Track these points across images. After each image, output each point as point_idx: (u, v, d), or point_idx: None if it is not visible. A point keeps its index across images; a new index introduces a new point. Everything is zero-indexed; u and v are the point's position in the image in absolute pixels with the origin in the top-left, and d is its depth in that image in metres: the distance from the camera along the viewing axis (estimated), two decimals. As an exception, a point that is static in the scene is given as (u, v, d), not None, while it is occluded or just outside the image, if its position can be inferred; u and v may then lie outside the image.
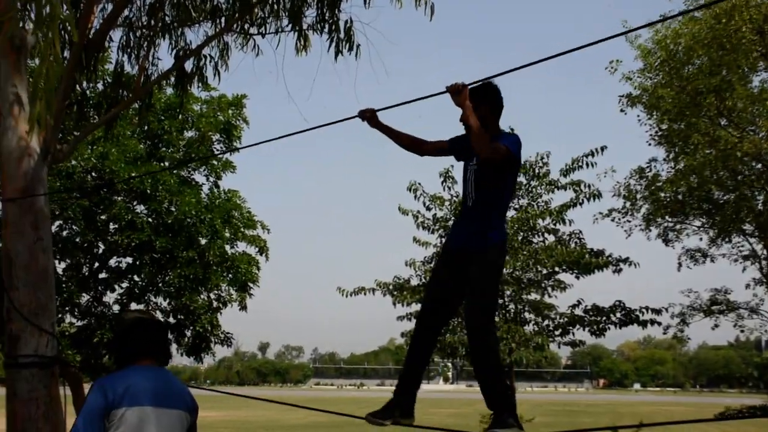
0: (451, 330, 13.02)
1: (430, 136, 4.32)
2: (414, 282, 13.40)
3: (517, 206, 13.55)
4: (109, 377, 3.23)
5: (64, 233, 13.31)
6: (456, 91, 3.74)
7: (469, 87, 3.78)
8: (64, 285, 12.79)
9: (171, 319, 14.11)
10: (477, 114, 3.72)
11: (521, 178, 13.49)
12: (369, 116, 4.16)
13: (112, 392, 3.08)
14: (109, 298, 14.40)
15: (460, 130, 4.03)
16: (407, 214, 13.64)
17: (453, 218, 13.62)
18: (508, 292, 13.18)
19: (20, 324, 4.98)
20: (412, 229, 13.51)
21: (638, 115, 16.29)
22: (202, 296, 13.85)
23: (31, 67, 5.56)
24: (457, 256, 3.94)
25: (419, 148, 4.29)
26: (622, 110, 16.24)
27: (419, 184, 13.47)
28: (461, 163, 4.20)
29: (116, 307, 14.09)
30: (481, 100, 3.88)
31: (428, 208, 13.64)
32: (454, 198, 13.48)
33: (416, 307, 13.25)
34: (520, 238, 13.13)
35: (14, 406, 4.92)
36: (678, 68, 14.74)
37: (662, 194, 16.40)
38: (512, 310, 13.41)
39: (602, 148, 12.80)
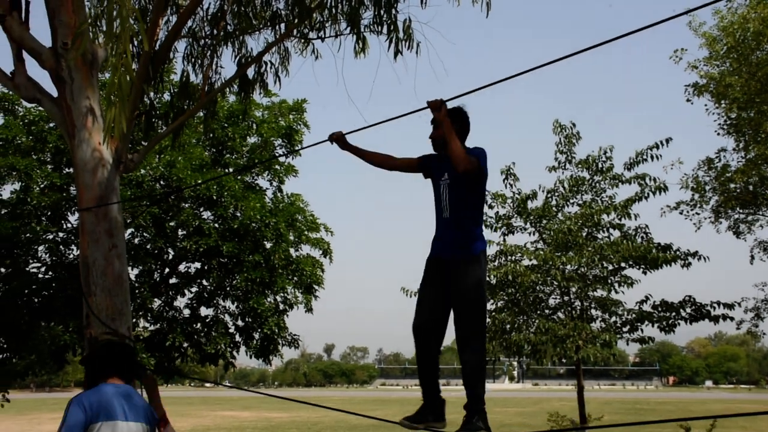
0: (517, 329, 12.87)
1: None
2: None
3: (580, 202, 13.32)
4: (86, 394, 3.64)
5: (136, 240, 13.67)
6: (436, 107, 4.01)
7: (454, 109, 4.10)
8: (137, 291, 13.13)
9: (239, 322, 14.35)
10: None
11: (584, 174, 13.29)
12: (336, 138, 4.43)
13: (89, 408, 3.50)
14: (180, 302, 14.74)
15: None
16: (469, 213, 13.48)
17: (515, 216, 13.50)
18: (573, 289, 12.96)
19: (99, 328, 5.14)
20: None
21: (705, 105, 15.79)
22: (268, 299, 14.02)
23: (102, 81, 5.72)
24: (441, 269, 4.15)
25: (387, 164, 4.54)
26: (688, 100, 15.77)
27: (481, 182, 13.31)
28: (430, 180, 4.41)
29: (187, 312, 14.40)
30: (453, 121, 4.11)
31: (490, 206, 13.52)
32: (516, 195, 13.32)
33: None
34: (584, 234, 12.90)
35: (95, 408, 5.06)
36: (747, 55, 14.21)
37: (732, 185, 15.85)
38: (578, 308, 13.17)
39: (667, 140, 12.46)
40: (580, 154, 13.35)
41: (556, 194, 13.39)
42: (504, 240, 13.50)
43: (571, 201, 13.40)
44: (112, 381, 3.75)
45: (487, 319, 4.17)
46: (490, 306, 13.16)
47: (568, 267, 12.66)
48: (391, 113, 4.32)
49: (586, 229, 12.98)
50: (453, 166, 4.06)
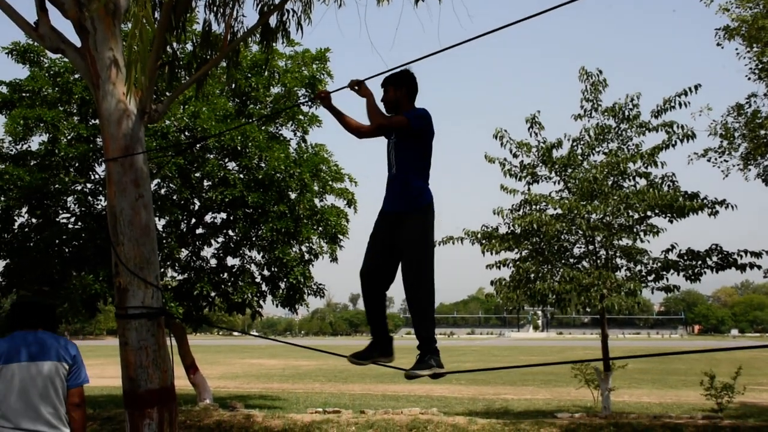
0: (541, 278, 12.87)
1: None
2: (502, 230, 13.28)
3: (606, 150, 13.17)
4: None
5: (162, 191, 13.81)
6: (356, 85, 4.60)
7: (392, 73, 4.60)
8: (164, 241, 13.32)
9: (265, 272, 14.53)
10: (394, 96, 4.58)
11: (610, 122, 13.12)
12: (323, 97, 4.87)
13: None
14: (207, 252, 14.92)
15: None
16: (494, 162, 13.45)
17: (540, 164, 13.39)
18: (598, 238, 12.90)
19: (127, 277, 5.23)
20: (500, 176, 13.30)
21: (736, 49, 15.37)
22: (293, 249, 14.15)
23: (125, 31, 5.72)
24: (388, 220, 4.52)
25: (359, 131, 4.84)
26: (718, 44, 15.35)
27: (505, 131, 13.24)
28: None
29: (213, 261, 14.60)
30: (400, 84, 4.60)
31: (515, 155, 13.41)
32: (541, 144, 13.20)
33: (505, 254, 13.16)
34: (610, 182, 12.78)
35: (126, 354, 5.20)
36: (781, -4, 13.76)
37: (762, 131, 15.52)
38: (603, 257, 13.12)
39: (696, 87, 12.20)
40: (606, 102, 13.15)
41: (582, 143, 13.26)
42: (528, 189, 13.43)
43: (597, 149, 13.26)
44: (23, 329, 4.31)
45: (435, 267, 4.49)
46: (515, 255, 13.19)
47: (593, 216, 12.59)
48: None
49: (611, 178, 12.85)
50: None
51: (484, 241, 13.09)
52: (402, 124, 4.46)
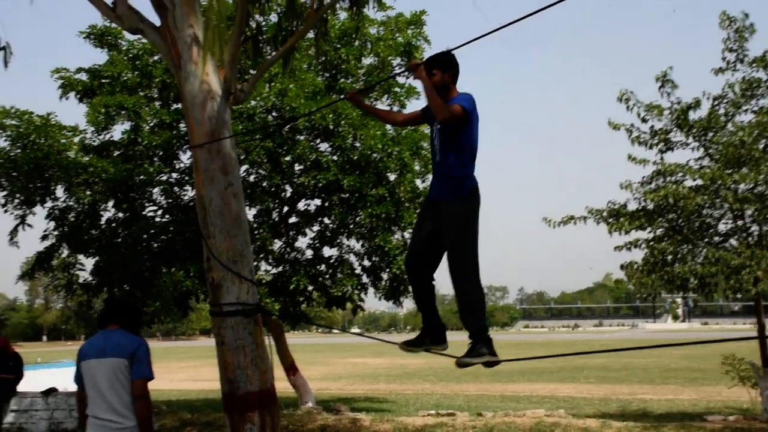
0: (680, 260, 12.46)
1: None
2: (632, 207, 12.91)
3: (755, 108, 12.57)
4: (85, 342, 5.35)
5: (251, 178, 14.15)
6: (413, 68, 4.77)
7: (435, 55, 4.83)
8: (255, 232, 13.63)
9: (365, 262, 14.68)
10: (441, 80, 4.76)
11: (759, 74, 12.51)
12: (350, 96, 5.42)
13: (80, 352, 5.21)
14: (301, 242, 15.22)
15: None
16: (619, 129, 13.09)
17: (675, 129, 12.95)
18: (748, 212, 12.34)
19: (220, 272, 5.39)
20: (626, 145, 12.97)
21: None
22: (395, 236, 14.20)
23: (204, 6, 5.88)
24: (433, 207, 4.83)
25: (398, 121, 5.80)
26: None
27: (631, 92, 12.85)
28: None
29: (309, 252, 14.87)
30: (447, 67, 4.81)
31: (644, 120, 13.00)
32: (675, 105, 12.73)
33: (636, 234, 12.81)
34: (761, 146, 12.18)
35: (224, 354, 5.37)
36: None
37: None
38: (755, 233, 12.55)
39: None
40: (754, 51, 12.52)
41: (725, 101, 12.72)
42: (662, 158, 13.02)
43: (744, 108, 12.68)
44: (109, 327, 5.24)
45: (478, 254, 4.80)
46: (647, 234, 12.85)
47: (742, 186, 12.05)
48: (519, 14, 4.22)
49: (763, 141, 12.25)
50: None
51: (610, 220, 12.79)
52: (461, 115, 4.65)
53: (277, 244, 14.77)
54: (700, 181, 12.31)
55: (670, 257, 12.45)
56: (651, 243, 12.68)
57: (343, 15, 14.02)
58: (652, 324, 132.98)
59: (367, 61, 14.74)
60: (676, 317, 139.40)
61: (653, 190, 12.42)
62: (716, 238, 12.89)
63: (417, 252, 4.91)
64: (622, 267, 13.02)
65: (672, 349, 45.38)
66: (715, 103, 12.76)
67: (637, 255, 12.95)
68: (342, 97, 13.78)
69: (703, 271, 11.86)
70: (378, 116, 5.67)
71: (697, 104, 12.71)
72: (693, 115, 12.77)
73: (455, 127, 4.70)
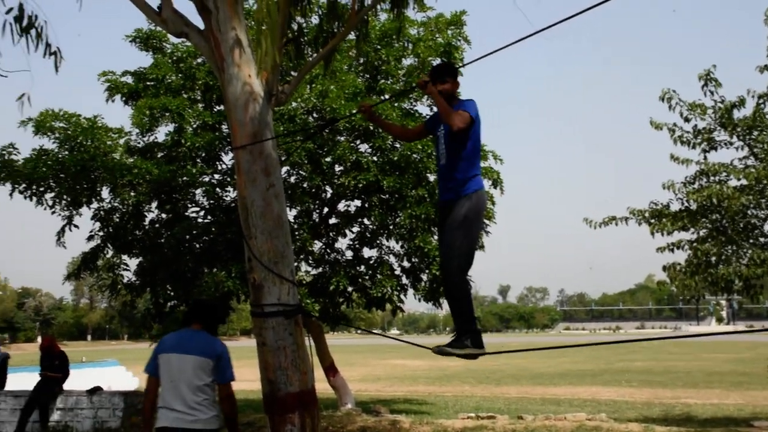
0: (725, 261, 12.27)
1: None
2: (674, 207, 12.75)
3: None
4: (166, 335, 5.70)
5: (292, 179, 14.26)
6: (422, 86, 5.09)
7: (444, 65, 5.32)
8: (296, 233, 13.73)
9: (405, 263, 14.68)
10: (449, 88, 5.08)
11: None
12: (364, 110, 5.68)
13: (161, 344, 5.48)
14: (341, 243, 15.26)
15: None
16: (661, 129, 12.93)
17: (718, 128, 12.78)
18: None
19: (261, 273, 5.44)
20: (669, 145, 12.82)
21: None
22: (435, 237, 14.18)
23: (246, 9, 5.93)
24: (441, 210, 5.10)
25: (405, 136, 6.28)
26: None
27: (674, 91, 12.69)
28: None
29: (349, 253, 14.91)
30: (456, 76, 5.20)
31: (686, 119, 12.84)
32: (719, 104, 12.54)
33: (678, 236, 12.65)
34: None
35: (264, 355, 5.42)
36: None
37: None
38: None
39: None
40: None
41: (772, 99, 12.48)
42: (705, 158, 12.86)
43: (792, 106, 12.43)
44: (193, 327, 5.55)
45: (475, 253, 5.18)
46: (690, 236, 12.71)
47: (789, 186, 11.83)
48: (563, 15, 4.18)
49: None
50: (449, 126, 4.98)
51: (653, 221, 12.66)
52: (469, 122, 4.92)
53: (317, 245, 14.85)
54: (744, 181, 12.13)
55: (714, 258, 12.29)
56: (694, 244, 12.51)
57: (383, 16, 14.04)
58: (696, 326, 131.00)
59: (408, 62, 14.75)
60: (720, 320, 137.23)
61: (696, 190, 12.27)
62: (762, 239, 12.67)
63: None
64: (664, 268, 12.86)
65: (717, 353, 44.65)
66: (760, 101, 12.54)
67: (680, 256, 12.81)
68: (383, 98, 13.82)
69: (748, 272, 11.68)
70: (390, 131, 6.17)
71: (741, 102, 12.52)
72: (737, 114, 12.61)
73: (459, 132, 4.92)
